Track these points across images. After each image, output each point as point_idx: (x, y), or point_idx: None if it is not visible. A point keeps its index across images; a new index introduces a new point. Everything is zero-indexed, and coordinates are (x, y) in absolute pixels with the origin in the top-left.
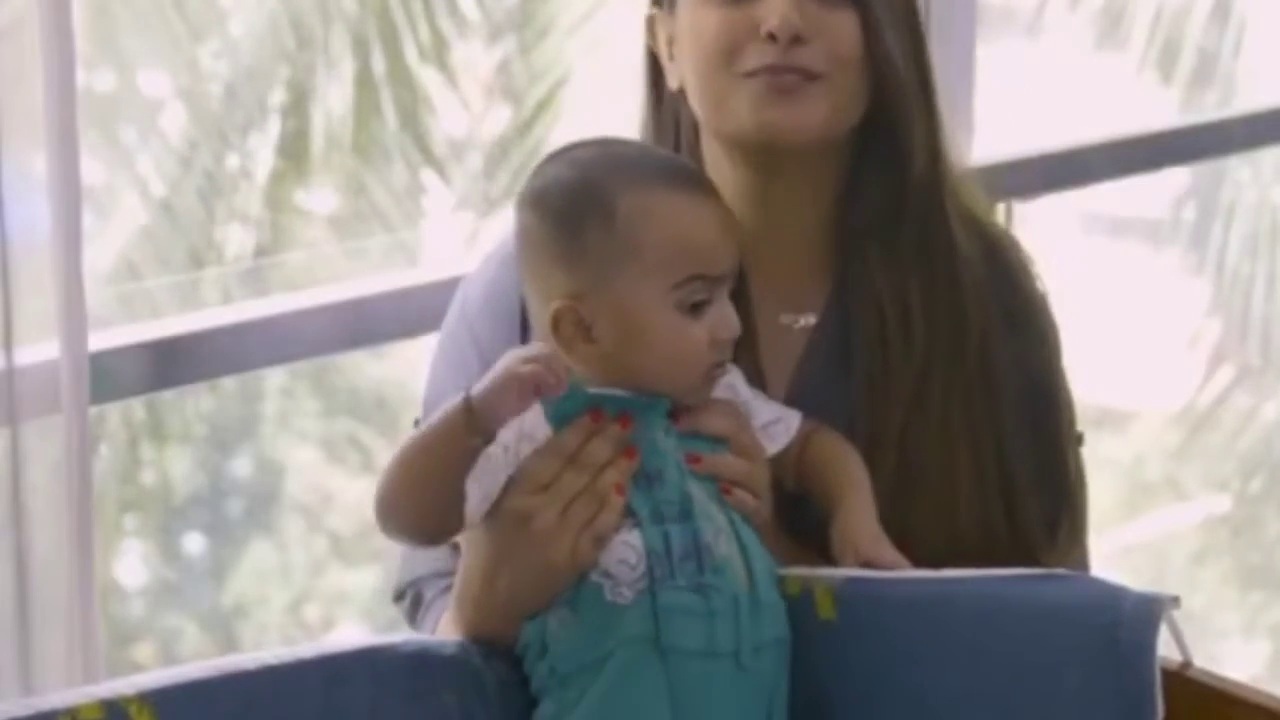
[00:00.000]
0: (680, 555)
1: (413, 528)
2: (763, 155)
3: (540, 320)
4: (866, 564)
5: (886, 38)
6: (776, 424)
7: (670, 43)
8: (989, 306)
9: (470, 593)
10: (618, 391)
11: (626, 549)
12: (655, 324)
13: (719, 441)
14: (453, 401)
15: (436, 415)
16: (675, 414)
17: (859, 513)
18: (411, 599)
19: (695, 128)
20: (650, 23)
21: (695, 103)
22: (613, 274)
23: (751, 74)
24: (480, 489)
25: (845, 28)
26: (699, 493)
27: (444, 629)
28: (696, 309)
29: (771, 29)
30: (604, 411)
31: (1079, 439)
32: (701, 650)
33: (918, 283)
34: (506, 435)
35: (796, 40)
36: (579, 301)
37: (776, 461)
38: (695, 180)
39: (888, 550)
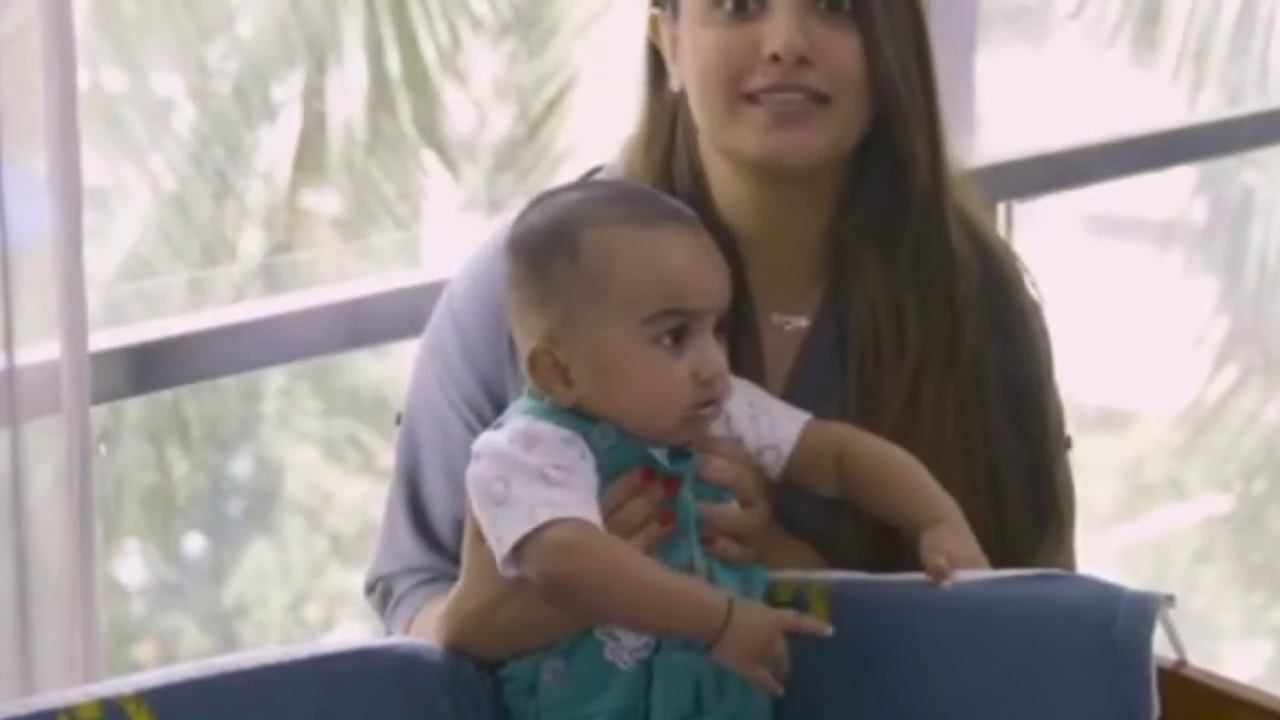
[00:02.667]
0: None
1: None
2: (764, 174)
3: (523, 364)
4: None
5: (889, 57)
6: (766, 452)
7: (674, 43)
8: (982, 316)
9: (466, 611)
10: (658, 452)
11: None
12: (629, 362)
13: (725, 488)
14: (716, 601)
15: (699, 595)
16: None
17: (958, 536)
18: (381, 592)
19: (695, 128)
20: (653, 21)
21: (697, 115)
22: (581, 312)
23: (755, 98)
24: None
25: (848, 48)
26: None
27: (422, 629)
28: (677, 345)
29: (776, 51)
30: (656, 469)
31: (1068, 443)
32: (685, 707)
33: (914, 294)
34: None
35: (801, 61)
36: (554, 344)
37: (802, 472)
38: (670, 215)
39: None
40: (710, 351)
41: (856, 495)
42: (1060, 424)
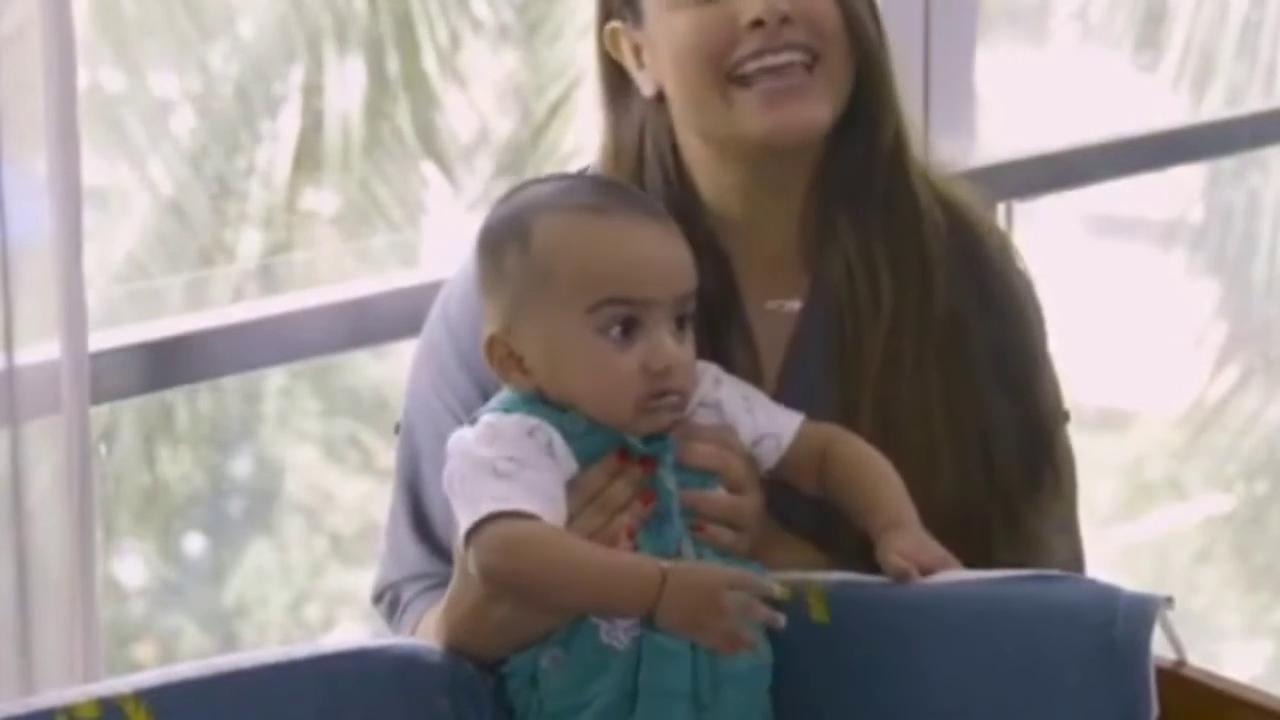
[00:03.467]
0: None
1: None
2: (761, 154)
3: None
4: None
5: (861, 13)
6: (764, 441)
7: (638, 52)
8: (960, 281)
9: (461, 613)
10: (633, 437)
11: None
12: (576, 352)
13: (711, 473)
14: (649, 569)
15: (631, 567)
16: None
17: (913, 539)
18: (389, 600)
19: (670, 131)
20: (613, 35)
21: (681, 109)
22: (529, 300)
23: (745, 80)
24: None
25: (824, 5)
26: (682, 530)
27: (426, 634)
28: (627, 336)
29: (758, 15)
30: (629, 450)
31: (1065, 415)
32: (676, 692)
33: (884, 246)
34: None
35: (784, 21)
36: (507, 333)
37: (792, 469)
38: (632, 205)
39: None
40: (663, 343)
41: (832, 494)
42: (1056, 394)
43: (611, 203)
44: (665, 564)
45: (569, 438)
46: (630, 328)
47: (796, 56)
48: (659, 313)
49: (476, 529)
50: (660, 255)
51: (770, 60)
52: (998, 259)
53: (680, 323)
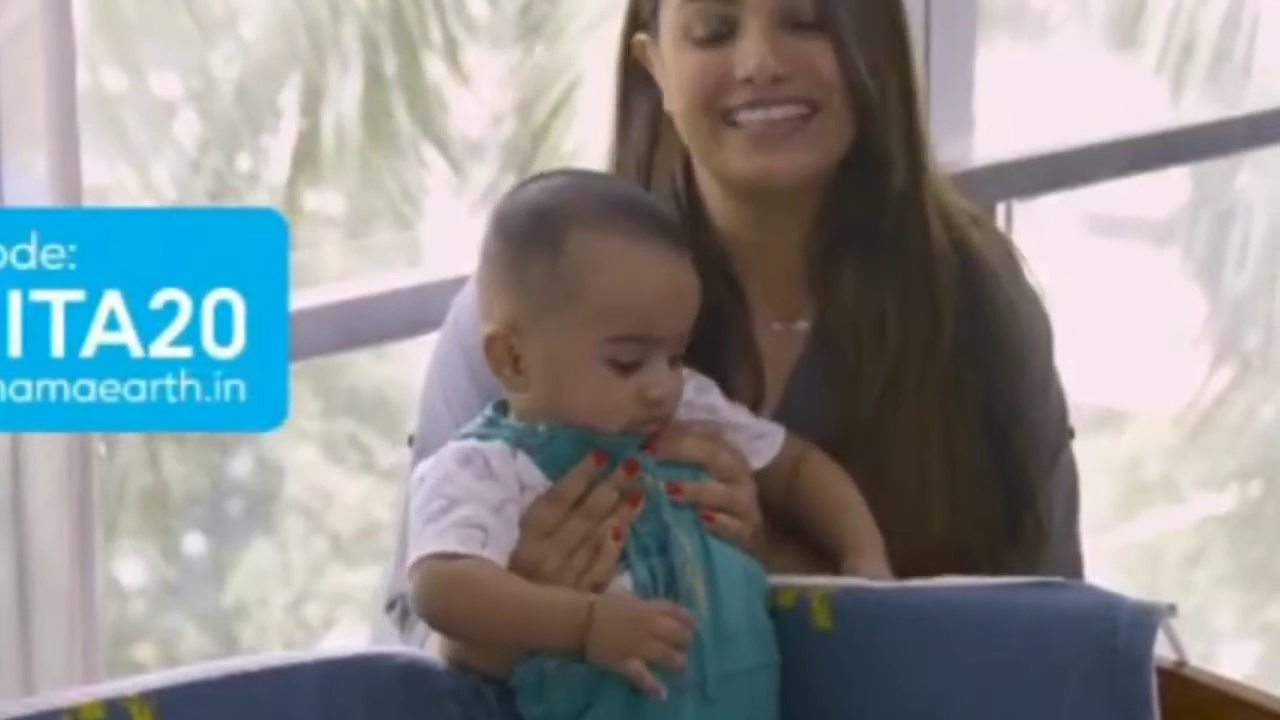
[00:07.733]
0: (664, 589)
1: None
2: (756, 193)
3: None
4: None
5: (859, 62)
6: (761, 439)
7: (663, 64)
8: (965, 324)
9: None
10: (601, 438)
11: (621, 591)
12: (581, 373)
13: (699, 467)
14: (575, 602)
15: (558, 600)
16: (652, 440)
17: (872, 562)
18: (401, 610)
19: (683, 148)
20: (641, 46)
21: (684, 137)
22: (549, 314)
23: (735, 121)
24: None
25: (823, 57)
26: (673, 521)
27: (432, 648)
28: (631, 365)
29: (749, 74)
30: (606, 454)
31: (1070, 433)
32: (682, 684)
33: (892, 291)
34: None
35: (775, 80)
36: (513, 332)
37: (766, 478)
38: (659, 231)
39: None
40: (662, 374)
41: (798, 508)
42: (1062, 414)
43: (646, 227)
44: (592, 597)
45: (529, 450)
46: (636, 360)
47: (794, 110)
48: (665, 347)
49: (410, 575)
50: (682, 294)
51: (762, 114)
52: (1006, 295)
53: (673, 361)
